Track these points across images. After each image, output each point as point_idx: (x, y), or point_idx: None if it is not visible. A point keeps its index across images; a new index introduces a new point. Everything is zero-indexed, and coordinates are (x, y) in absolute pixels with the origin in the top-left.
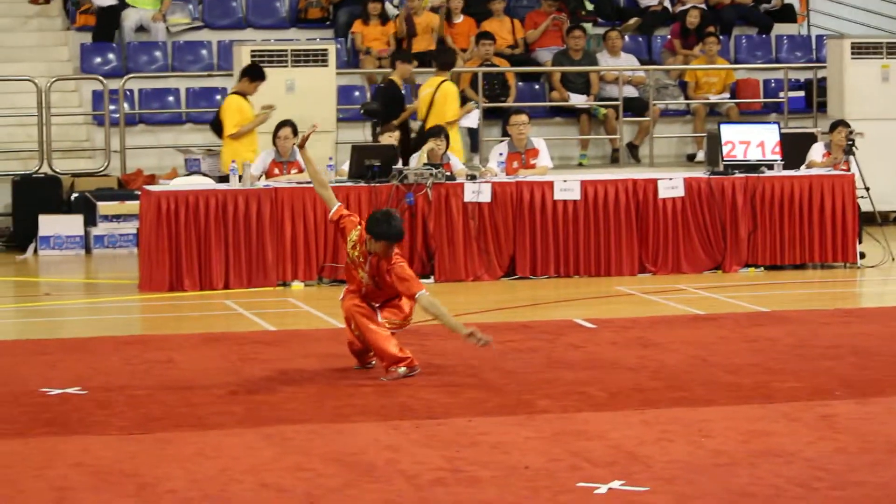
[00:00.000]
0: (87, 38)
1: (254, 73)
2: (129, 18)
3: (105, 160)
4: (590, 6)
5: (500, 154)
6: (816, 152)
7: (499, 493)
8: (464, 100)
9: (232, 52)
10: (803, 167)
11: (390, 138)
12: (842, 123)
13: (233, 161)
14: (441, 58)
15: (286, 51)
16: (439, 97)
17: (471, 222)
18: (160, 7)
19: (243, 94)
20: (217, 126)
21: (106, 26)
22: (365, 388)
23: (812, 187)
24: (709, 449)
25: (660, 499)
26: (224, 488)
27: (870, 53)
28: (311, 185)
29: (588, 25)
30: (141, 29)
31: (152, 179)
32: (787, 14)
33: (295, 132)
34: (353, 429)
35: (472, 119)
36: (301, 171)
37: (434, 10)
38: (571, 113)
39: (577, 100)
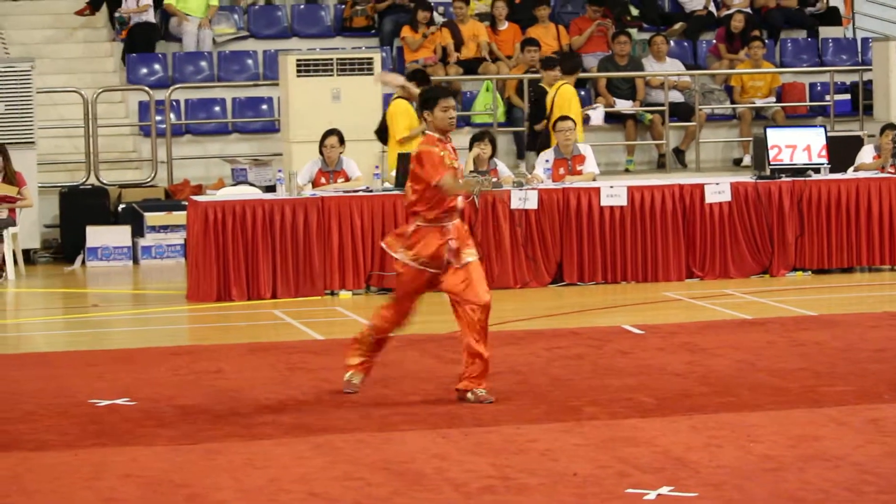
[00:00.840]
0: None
1: (419, 78)
2: (186, 30)
3: (152, 171)
4: (635, 11)
5: (547, 160)
6: (867, 154)
7: (547, 500)
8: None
9: (277, 62)
10: (851, 169)
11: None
12: (890, 126)
13: (279, 170)
14: (566, 62)
15: (331, 59)
16: (558, 100)
17: (518, 229)
18: (206, 14)
19: (408, 99)
20: (383, 132)
21: (141, 42)
22: (412, 396)
23: (859, 190)
24: (757, 454)
25: None
26: (273, 498)
27: None
28: (357, 194)
29: (633, 31)
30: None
31: (199, 190)
32: (833, 17)
33: (342, 141)
34: (401, 437)
35: (599, 116)
36: (347, 179)
37: (480, 17)
38: (618, 118)
39: (623, 105)
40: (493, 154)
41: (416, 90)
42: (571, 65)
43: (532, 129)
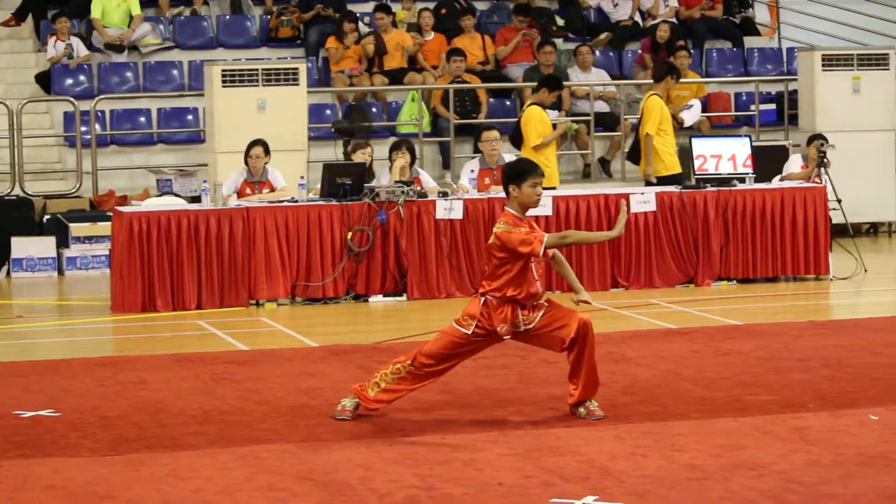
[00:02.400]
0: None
1: (552, 84)
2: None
3: (77, 181)
4: (560, 21)
5: (472, 171)
6: (794, 164)
7: None
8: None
9: (203, 72)
10: (777, 179)
11: (363, 156)
12: (818, 137)
13: (204, 181)
14: (656, 70)
15: (257, 70)
16: (643, 109)
17: (443, 239)
18: (130, 26)
19: (542, 105)
20: (517, 138)
21: None
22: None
23: (784, 200)
24: (681, 463)
25: None
26: None
27: (841, 65)
28: (282, 204)
29: (559, 41)
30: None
31: (124, 200)
32: (751, 27)
33: (266, 151)
34: (326, 448)
35: (695, 114)
36: (272, 190)
37: (408, 28)
38: None
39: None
40: (413, 162)
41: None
42: (658, 72)
43: (346, 146)
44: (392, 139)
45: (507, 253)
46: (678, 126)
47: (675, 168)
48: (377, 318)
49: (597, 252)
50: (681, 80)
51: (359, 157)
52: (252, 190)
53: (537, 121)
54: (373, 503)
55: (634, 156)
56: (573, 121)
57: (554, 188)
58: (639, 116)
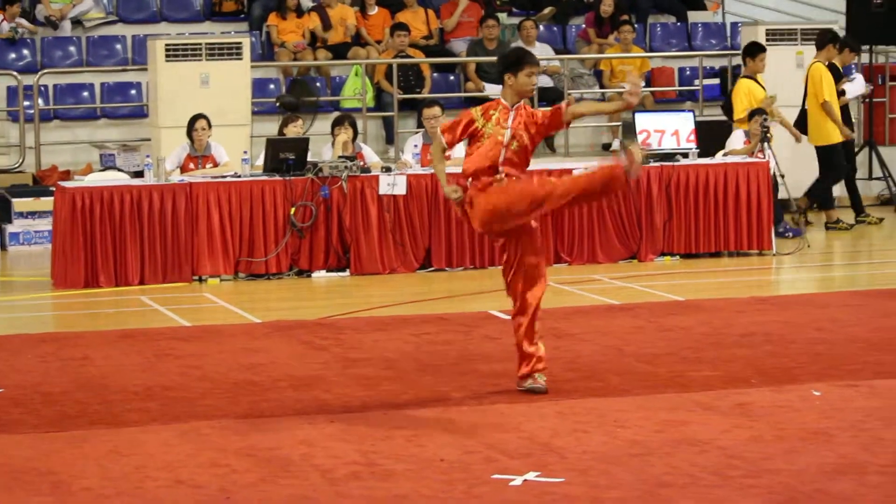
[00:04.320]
0: None
1: (753, 51)
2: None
3: (20, 156)
4: None
5: (415, 146)
6: (737, 140)
7: (414, 486)
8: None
9: (146, 47)
10: (720, 154)
11: (294, 130)
12: (759, 112)
13: (147, 156)
14: (819, 37)
15: (200, 44)
16: (809, 78)
17: (386, 215)
18: (72, 1)
19: (752, 77)
20: (727, 110)
21: None
22: (280, 382)
23: (727, 175)
24: (624, 439)
25: (575, 490)
26: (139, 485)
27: (784, 40)
28: (226, 180)
29: (502, 15)
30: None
31: (67, 175)
32: (694, 1)
33: (210, 125)
34: (267, 424)
35: (859, 86)
36: (215, 164)
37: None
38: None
39: (493, 90)
40: (355, 137)
41: None
42: (821, 39)
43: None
44: (336, 114)
45: None
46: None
47: (837, 136)
48: (320, 294)
49: (540, 227)
50: (626, 54)
51: (291, 131)
52: (195, 164)
53: (744, 93)
54: (315, 479)
55: (803, 126)
56: None
57: None
58: (804, 86)
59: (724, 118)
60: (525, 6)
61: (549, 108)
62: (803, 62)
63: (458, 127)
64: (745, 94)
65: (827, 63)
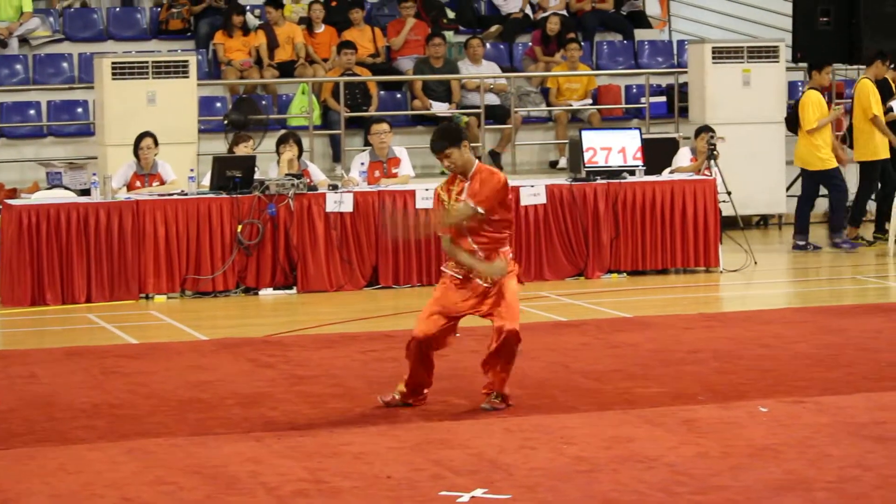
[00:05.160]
0: None
1: (819, 64)
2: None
3: None
4: (451, 14)
5: (362, 163)
6: (683, 157)
7: (361, 503)
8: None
9: (93, 65)
10: (667, 172)
11: (245, 149)
12: (706, 129)
13: (94, 174)
14: (868, 53)
15: (147, 63)
16: (856, 94)
17: (333, 232)
18: (19, 20)
19: (818, 89)
20: (793, 122)
21: None
22: (227, 400)
23: (674, 192)
24: (571, 456)
25: None
26: (86, 503)
27: (731, 58)
28: (172, 197)
29: (449, 33)
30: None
31: (14, 193)
32: (641, 19)
33: (156, 143)
34: (215, 441)
35: None
36: (162, 182)
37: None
38: (433, 121)
39: (439, 108)
40: (300, 154)
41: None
42: (871, 55)
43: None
44: (283, 132)
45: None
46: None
47: (884, 152)
48: (267, 311)
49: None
50: (573, 72)
51: (241, 150)
52: (142, 182)
53: (815, 105)
54: (262, 497)
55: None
56: (463, 113)
57: (833, 168)
58: (850, 102)
59: (671, 135)
60: (472, 24)
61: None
62: (750, 80)
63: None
64: (814, 106)
65: (875, 79)
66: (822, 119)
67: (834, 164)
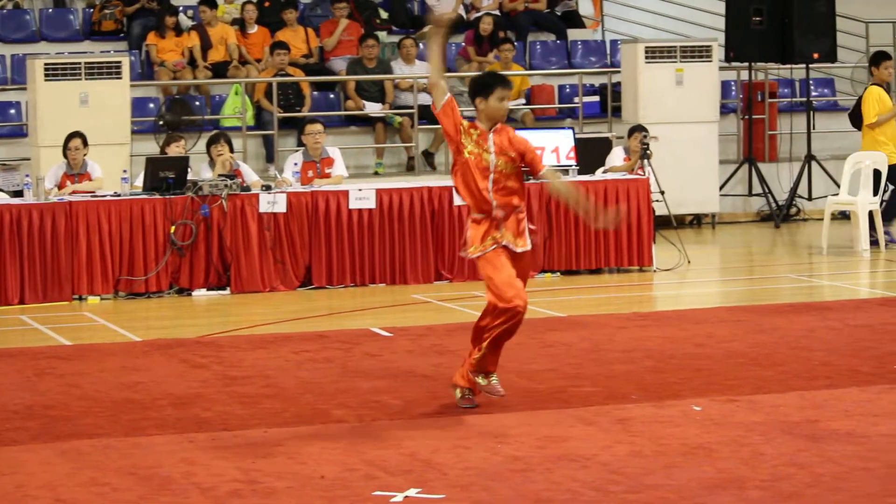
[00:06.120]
0: None
1: (877, 59)
2: None
3: None
4: (384, 14)
5: (295, 164)
6: (616, 157)
7: (294, 503)
8: None
9: (25, 66)
10: (600, 171)
11: (177, 149)
12: (639, 128)
13: (27, 175)
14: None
15: (79, 64)
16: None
17: (266, 233)
18: None
19: (881, 84)
20: (856, 117)
21: None
22: (161, 401)
23: (607, 192)
24: (505, 455)
25: None
26: None
27: (664, 57)
28: (105, 199)
29: (382, 34)
30: None
31: None
32: (574, 19)
33: (85, 143)
34: (148, 442)
35: None
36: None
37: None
38: (367, 121)
39: (373, 108)
40: (231, 153)
41: None
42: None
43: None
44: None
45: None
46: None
47: None
48: (200, 312)
49: (420, 245)
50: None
51: (173, 150)
52: (72, 182)
53: (875, 100)
54: (195, 497)
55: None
56: (397, 113)
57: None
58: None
59: (604, 135)
60: (405, 25)
61: (529, 149)
62: (683, 79)
63: (454, 110)
64: (875, 101)
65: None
66: (882, 114)
67: (893, 160)
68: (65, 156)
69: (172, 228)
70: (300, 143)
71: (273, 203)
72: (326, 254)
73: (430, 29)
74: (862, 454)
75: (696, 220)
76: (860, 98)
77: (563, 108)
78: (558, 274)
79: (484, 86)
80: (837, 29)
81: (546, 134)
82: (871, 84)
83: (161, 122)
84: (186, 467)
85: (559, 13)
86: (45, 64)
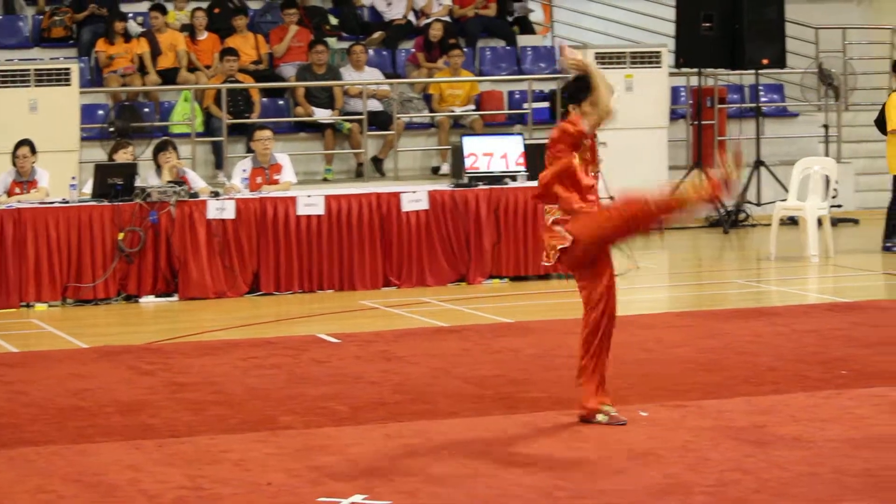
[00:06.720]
0: None
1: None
2: None
3: None
4: (334, 21)
5: (244, 170)
6: None
7: None
8: None
9: None
10: None
11: (125, 156)
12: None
13: None
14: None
15: (28, 70)
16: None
17: (214, 239)
18: None
19: None
20: (881, 122)
21: None
22: (108, 408)
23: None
24: (451, 461)
25: None
26: None
27: (613, 63)
28: (53, 206)
29: (332, 40)
30: None
31: None
32: (524, 25)
33: (33, 151)
34: (95, 449)
35: None
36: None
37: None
38: (316, 128)
39: (322, 114)
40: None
41: None
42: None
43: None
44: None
45: None
46: None
47: None
48: (148, 319)
49: (369, 251)
50: (455, 78)
51: (121, 157)
52: (21, 189)
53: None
54: None
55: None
56: (346, 120)
57: None
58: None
59: None
60: (354, 31)
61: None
62: (632, 85)
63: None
64: None
65: None
66: None
67: None
68: (13, 163)
69: (121, 235)
70: (249, 150)
71: (222, 209)
72: (275, 260)
73: None
74: (808, 459)
75: None
76: (885, 105)
77: (513, 114)
78: (506, 280)
79: (586, 87)
80: (787, 35)
81: (495, 140)
82: (894, 90)
83: (111, 129)
84: (133, 474)
85: (511, 19)
86: None
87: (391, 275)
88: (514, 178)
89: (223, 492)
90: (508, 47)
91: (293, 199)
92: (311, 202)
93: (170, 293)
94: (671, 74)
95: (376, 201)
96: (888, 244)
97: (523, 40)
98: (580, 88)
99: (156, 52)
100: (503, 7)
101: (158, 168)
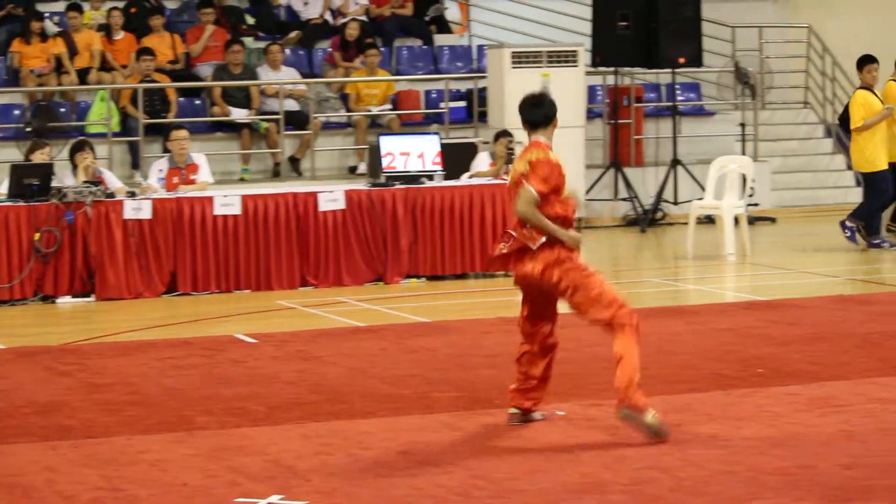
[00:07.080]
0: None
1: (861, 63)
2: None
3: None
4: (251, 20)
5: (160, 170)
6: (482, 162)
7: None
8: None
9: None
10: (465, 176)
11: (41, 156)
12: (504, 133)
13: None
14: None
15: None
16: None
17: (131, 239)
18: None
19: (868, 88)
20: (845, 121)
21: None
22: (23, 408)
23: (472, 197)
24: (368, 461)
25: None
26: None
27: (530, 62)
28: None
29: (248, 40)
30: None
31: None
32: (441, 24)
33: None
34: (10, 450)
35: None
36: None
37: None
38: (233, 127)
39: (239, 114)
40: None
41: None
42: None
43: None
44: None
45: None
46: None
47: (882, 163)
48: (65, 320)
49: (285, 251)
50: (372, 78)
51: (38, 157)
52: None
53: (860, 104)
54: None
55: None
56: (263, 119)
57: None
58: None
59: (470, 140)
60: (271, 30)
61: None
62: (548, 84)
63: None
64: (860, 105)
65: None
66: (868, 118)
67: (880, 165)
68: None
69: (37, 235)
70: (165, 150)
71: (138, 209)
72: (192, 260)
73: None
74: (725, 458)
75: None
76: (848, 103)
77: (430, 113)
78: (424, 279)
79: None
80: (703, 34)
81: (412, 139)
82: (859, 88)
83: (28, 129)
84: (49, 475)
85: (427, 18)
86: None
87: (308, 275)
88: (430, 178)
89: (140, 493)
90: (425, 46)
91: (210, 199)
92: (227, 202)
93: (87, 293)
94: (588, 73)
95: (293, 201)
96: (875, 241)
97: (440, 39)
98: (551, 106)
99: (72, 51)
100: (420, 6)
101: (75, 168)
